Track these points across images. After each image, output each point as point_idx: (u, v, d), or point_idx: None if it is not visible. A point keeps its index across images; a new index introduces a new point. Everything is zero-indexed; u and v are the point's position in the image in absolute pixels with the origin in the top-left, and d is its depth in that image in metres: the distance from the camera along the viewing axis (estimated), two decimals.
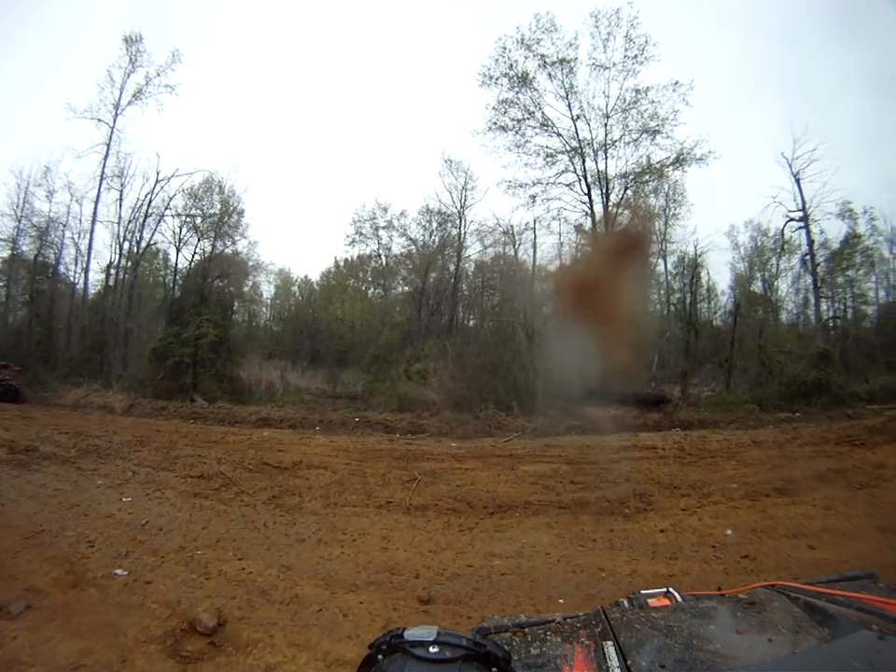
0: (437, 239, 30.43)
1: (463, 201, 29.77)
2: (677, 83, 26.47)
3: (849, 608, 1.44)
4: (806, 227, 30.29)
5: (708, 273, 31.26)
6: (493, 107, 27.25)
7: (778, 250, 31.39)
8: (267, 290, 35.43)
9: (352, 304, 32.88)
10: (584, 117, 26.81)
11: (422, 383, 24.54)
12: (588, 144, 26.95)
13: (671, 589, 1.82)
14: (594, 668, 1.31)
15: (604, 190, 27.35)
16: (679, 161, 26.99)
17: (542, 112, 26.98)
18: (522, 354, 23.76)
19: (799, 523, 9.19)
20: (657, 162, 27.22)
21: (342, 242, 32.17)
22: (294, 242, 51.22)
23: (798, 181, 29.88)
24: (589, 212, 27.63)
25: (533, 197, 27.88)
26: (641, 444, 15.85)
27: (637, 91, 26.45)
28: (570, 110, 26.75)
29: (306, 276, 36.45)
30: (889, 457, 13.18)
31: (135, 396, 24.22)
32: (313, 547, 8.78)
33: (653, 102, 26.42)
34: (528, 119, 27.11)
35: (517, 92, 26.93)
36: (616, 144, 26.95)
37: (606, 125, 26.83)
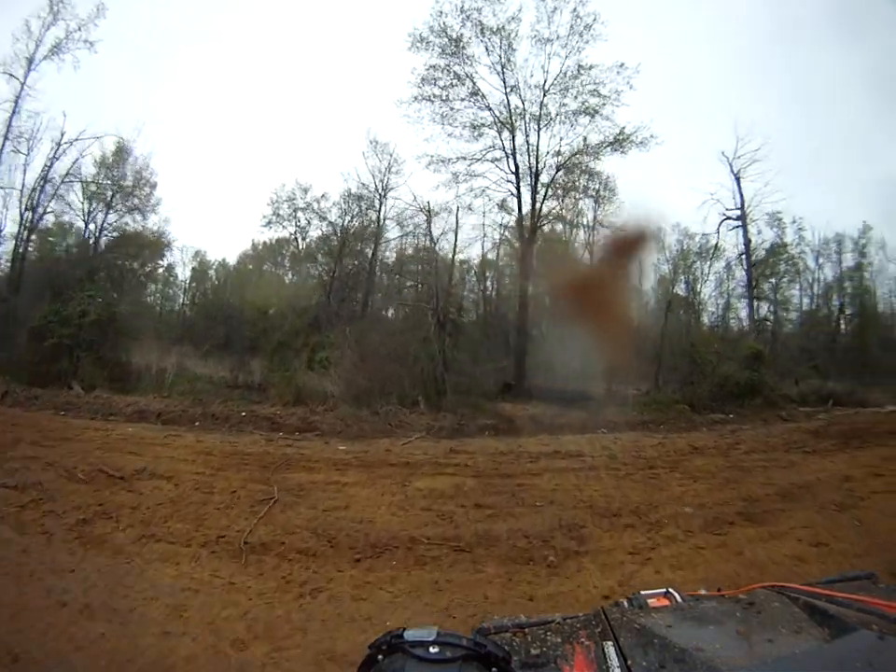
0: (357, 223, 28.10)
1: (385, 184, 27.13)
2: (622, 65, 24.22)
3: (849, 608, 1.39)
4: (744, 226, 29.69)
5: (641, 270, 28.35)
6: (420, 75, 24.53)
7: (711, 252, 30.37)
8: (183, 273, 32.35)
9: (267, 289, 30.07)
10: (519, 91, 24.52)
11: (323, 373, 21.65)
12: (520, 115, 24.68)
13: (671, 589, 1.72)
14: (594, 668, 1.28)
15: (534, 169, 24.94)
16: (619, 142, 24.81)
17: (473, 82, 24.40)
18: (431, 342, 19.87)
19: (790, 570, 7.13)
20: (595, 144, 25.17)
21: (258, 223, 28.53)
22: (213, 222, 47.04)
23: (738, 180, 29.07)
24: (516, 192, 25.12)
25: (456, 175, 25.04)
26: (565, 450, 13.22)
27: (581, 66, 24.25)
28: (505, 84, 24.33)
29: (224, 259, 33.68)
30: (850, 468, 11.97)
31: (10, 382, 20.52)
32: (64, 622, 5.22)
33: (596, 83, 24.34)
34: (457, 85, 24.46)
35: (448, 60, 24.31)
36: (552, 122, 24.80)
37: (542, 102, 24.61)
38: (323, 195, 28.06)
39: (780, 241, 33.73)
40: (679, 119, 35.46)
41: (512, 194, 25.20)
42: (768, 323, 31.30)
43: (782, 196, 28.06)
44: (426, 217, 25.64)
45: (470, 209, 25.50)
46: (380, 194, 27.78)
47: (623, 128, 24.74)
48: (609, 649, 1.32)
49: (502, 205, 25.55)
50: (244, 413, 18.61)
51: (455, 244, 26.37)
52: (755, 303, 30.50)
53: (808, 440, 15.13)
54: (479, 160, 25.22)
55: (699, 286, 31.90)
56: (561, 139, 25.11)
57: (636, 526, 8.50)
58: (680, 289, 31.81)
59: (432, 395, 19.90)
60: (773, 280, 33.87)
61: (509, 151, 25.07)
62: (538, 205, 24.99)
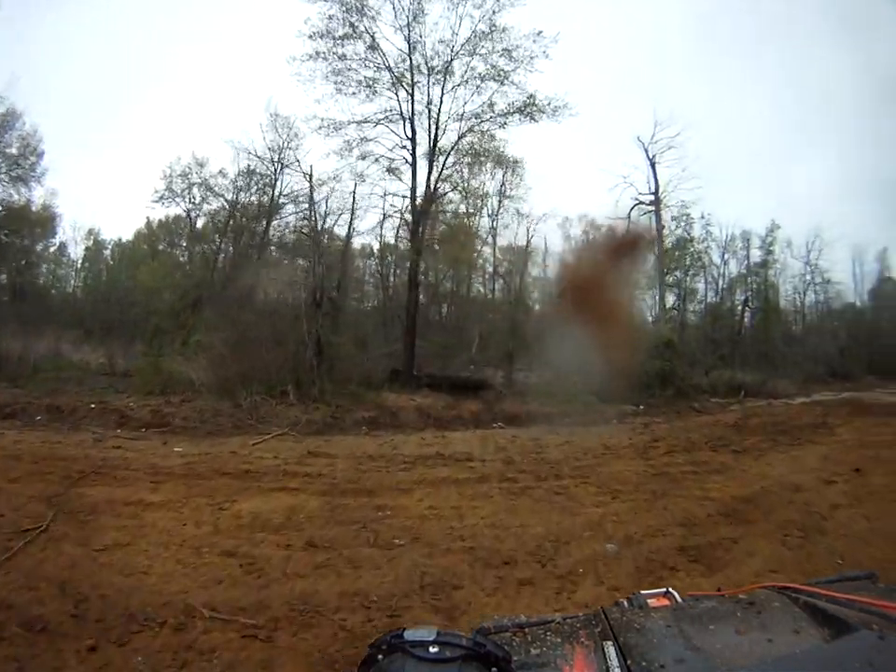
0: (253, 200, 26.22)
1: (282, 159, 25.03)
2: (539, 33, 22.34)
3: (849, 608, 1.36)
4: (657, 212, 29.08)
5: (545, 258, 29.00)
6: (314, 26, 22.02)
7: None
8: (75, 252, 30.59)
9: (159, 270, 27.67)
10: (423, 49, 22.41)
11: (192, 359, 19.10)
12: (423, 74, 22.50)
13: (671, 589, 1.70)
14: (594, 668, 1.24)
15: (433, 134, 22.74)
16: (528, 109, 22.82)
17: (372, 37, 22.05)
18: (303, 323, 16.87)
19: None
20: (502, 110, 23.13)
21: (150, 198, 25.83)
22: (109, 198, 42.67)
23: (653, 165, 28.75)
24: (411, 159, 22.84)
25: (349, 142, 22.83)
26: (450, 452, 10.85)
27: (493, 26, 22.21)
28: (409, 41, 22.17)
29: (120, 238, 31.60)
30: (793, 472, 10.35)
31: None
32: None
33: (509, 47, 22.46)
34: (354, 39, 22.14)
35: (347, 10, 21.88)
36: (457, 86, 22.71)
37: (449, 62, 22.47)
38: (220, 171, 25.72)
39: (688, 235, 34.56)
40: (600, 101, 34.48)
41: (407, 162, 22.91)
42: (675, 312, 31.54)
43: (698, 184, 28.07)
44: (309, 185, 23.17)
45: (363, 178, 23.28)
46: (275, 169, 25.54)
47: (533, 94, 22.87)
48: (609, 649, 1.26)
49: (391, 170, 23.05)
50: (93, 406, 15.85)
51: (350, 221, 24.79)
52: (664, 292, 30.17)
53: (731, 435, 13.91)
54: (374, 123, 22.86)
55: None
56: (465, 103, 22.94)
57: (536, 583, 5.59)
58: None
59: (305, 383, 17.44)
60: (678, 273, 34.73)
61: (406, 114, 22.75)
62: (434, 175, 22.79)
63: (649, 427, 15.36)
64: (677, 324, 28.45)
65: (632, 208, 28.40)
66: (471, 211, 25.80)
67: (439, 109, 22.57)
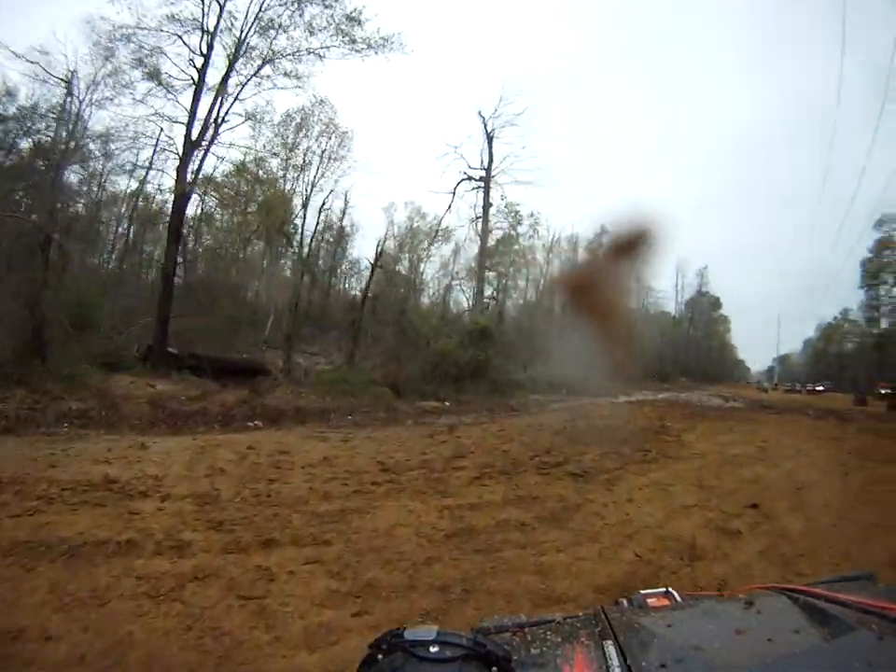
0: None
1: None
2: None
3: (849, 608, 1.32)
4: (486, 189, 27.89)
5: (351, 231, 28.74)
6: None
7: (436, 233, 29.56)
8: None
9: None
10: None
11: None
12: None
13: (670, 589, 1.61)
14: (594, 668, 1.18)
15: (233, 55, 19.23)
16: (350, 25, 20.40)
17: None
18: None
19: None
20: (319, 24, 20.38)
21: None
22: None
23: (490, 139, 27.79)
24: (196, 79, 18.97)
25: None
26: (128, 477, 7.21)
27: None
28: None
29: None
30: (672, 514, 6.97)
31: None
32: None
33: None
34: None
35: None
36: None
37: None
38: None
39: (515, 232, 34.55)
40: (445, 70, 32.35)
41: (193, 82, 18.98)
42: (495, 301, 30.53)
43: (538, 165, 28.18)
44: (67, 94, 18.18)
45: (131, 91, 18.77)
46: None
47: (359, 9, 20.49)
48: (609, 648, 1.21)
49: (153, 74, 18.75)
50: None
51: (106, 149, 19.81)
52: (485, 276, 29.25)
53: (563, 446, 10.82)
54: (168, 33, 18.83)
55: (422, 265, 32.56)
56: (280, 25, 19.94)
57: None
58: (403, 267, 31.90)
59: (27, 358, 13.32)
60: (501, 269, 34.68)
61: (207, 27, 19.00)
62: (226, 106, 19.22)
63: (454, 432, 12.24)
64: (497, 314, 26.80)
65: (459, 183, 27.11)
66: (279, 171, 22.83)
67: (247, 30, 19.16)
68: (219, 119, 18.64)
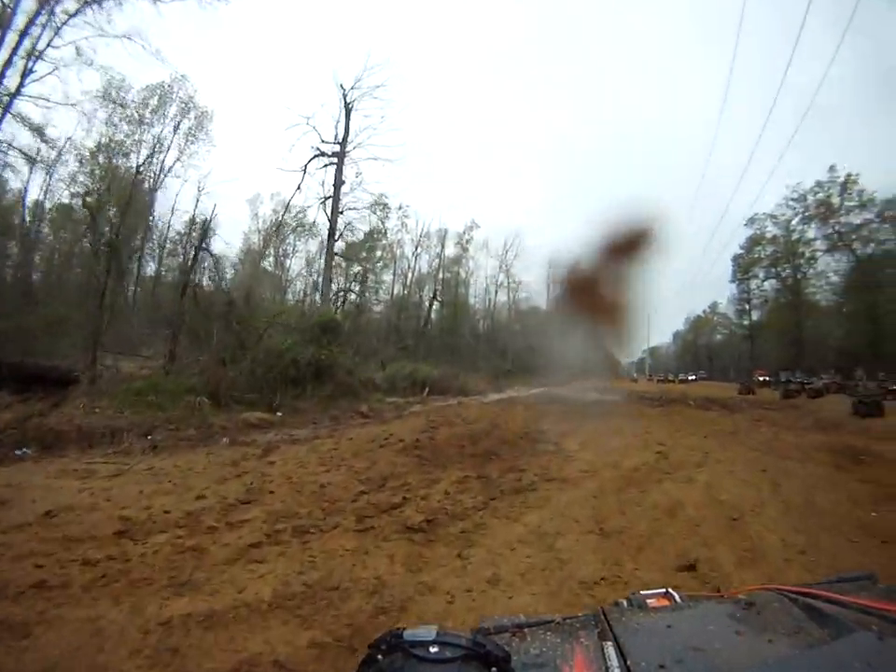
0: None
1: None
2: None
3: (849, 609, 1.31)
4: (339, 166, 25.47)
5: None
6: None
7: (300, 225, 29.74)
8: None
9: None
10: None
11: None
12: None
13: (670, 590, 1.57)
14: (593, 668, 1.16)
15: None
16: None
17: None
18: None
19: None
20: None
21: None
22: None
23: (348, 112, 25.76)
24: None
25: None
26: None
27: None
28: None
29: None
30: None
31: None
32: None
33: None
34: None
35: None
36: None
37: None
38: None
39: (382, 225, 34.58)
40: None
41: None
42: (352, 294, 30.11)
43: (401, 142, 29.02)
44: None
45: None
46: None
47: None
48: (609, 649, 1.20)
49: None
50: None
51: None
52: (344, 265, 28.87)
53: (410, 470, 8.25)
54: None
55: (288, 261, 33.16)
56: None
57: None
58: (269, 263, 32.74)
59: None
60: (366, 264, 34.93)
61: None
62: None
63: (268, 456, 9.38)
64: (354, 307, 23.21)
65: (311, 159, 25.10)
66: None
67: None
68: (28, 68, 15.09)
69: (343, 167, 24.62)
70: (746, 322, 51.09)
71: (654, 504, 6.67)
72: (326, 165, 24.81)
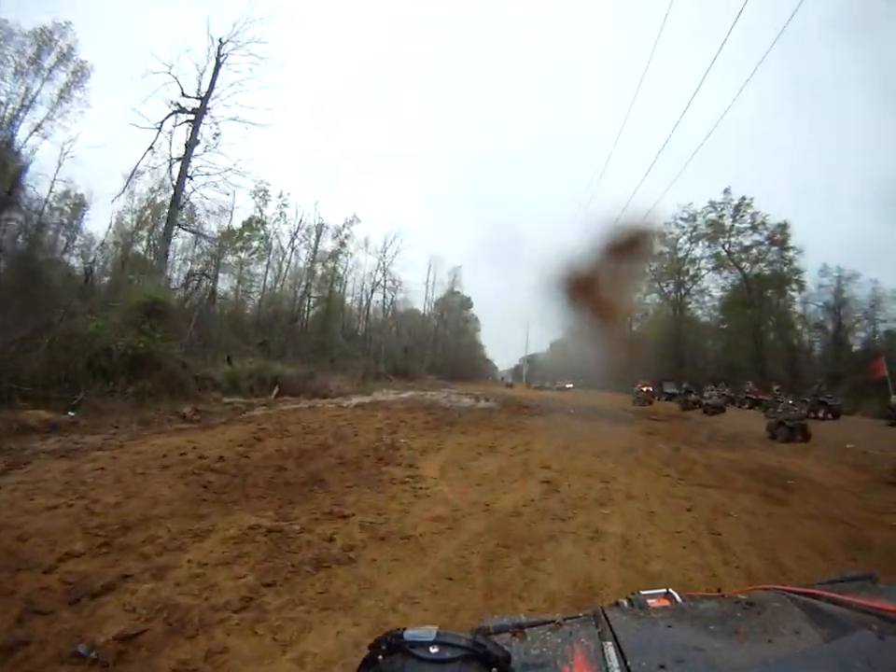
0: None
1: None
2: None
3: (849, 609, 1.32)
4: (196, 124, 22.80)
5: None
6: None
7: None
8: None
9: None
10: None
11: None
12: None
13: (671, 590, 1.59)
14: (593, 668, 1.16)
15: None
16: None
17: None
18: None
19: None
20: None
21: None
22: None
23: (218, 65, 23.48)
24: None
25: None
26: None
27: None
28: None
29: None
30: None
31: None
32: None
33: None
34: None
35: None
36: None
37: None
38: None
39: (261, 213, 34.49)
40: None
41: None
42: (206, 278, 27.51)
43: (273, 104, 26.31)
44: None
45: None
46: None
47: None
48: (609, 649, 1.19)
49: None
50: None
51: None
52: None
53: (173, 511, 5.94)
54: None
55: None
56: None
57: None
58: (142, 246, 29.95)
59: None
60: (242, 255, 34.25)
61: None
62: None
63: (8, 474, 6.97)
64: (205, 294, 23.19)
65: (167, 117, 22.53)
66: None
67: None
68: None
69: (201, 126, 22.17)
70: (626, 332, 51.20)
71: (551, 593, 4.40)
72: (183, 122, 22.33)
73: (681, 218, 44.99)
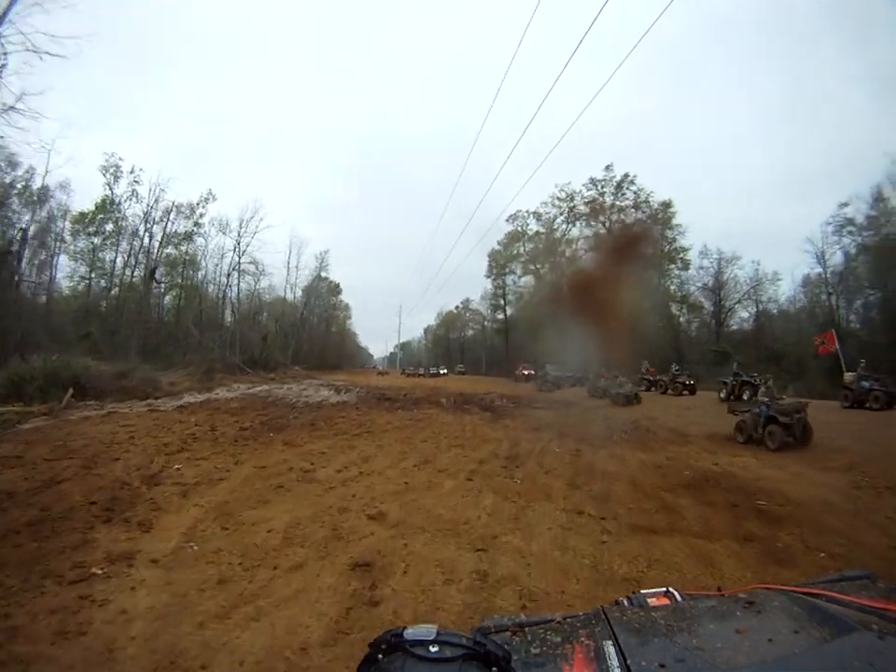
0: None
1: None
2: None
3: (849, 608, 1.36)
4: None
5: None
6: None
7: None
8: None
9: None
10: None
11: None
12: None
13: (671, 589, 1.66)
14: (593, 668, 1.21)
15: None
16: None
17: None
18: None
19: None
20: None
21: None
22: None
23: None
24: None
25: None
26: None
27: None
28: None
29: None
30: None
31: None
32: None
33: None
34: None
35: None
36: None
37: None
38: None
39: (111, 192, 32.31)
40: None
41: None
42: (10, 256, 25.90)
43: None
44: None
45: None
46: None
47: None
48: (609, 648, 1.24)
49: None
50: None
51: None
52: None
53: None
54: None
55: None
56: None
57: None
58: None
59: None
60: (95, 240, 32.99)
61: None
62: None
63: None
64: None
65: None
66: None
67: None
68: None
69: None
70: (501, 317, 51.76)
71: None
72: None
73: (558, 198, 44.52)
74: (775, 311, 38.25)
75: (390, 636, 1.07)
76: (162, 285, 34.07)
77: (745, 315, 39.71)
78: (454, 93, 79.78)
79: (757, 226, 51.72)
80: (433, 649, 1.02)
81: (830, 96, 48.93)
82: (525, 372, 37.42)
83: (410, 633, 1.05)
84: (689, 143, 63.81)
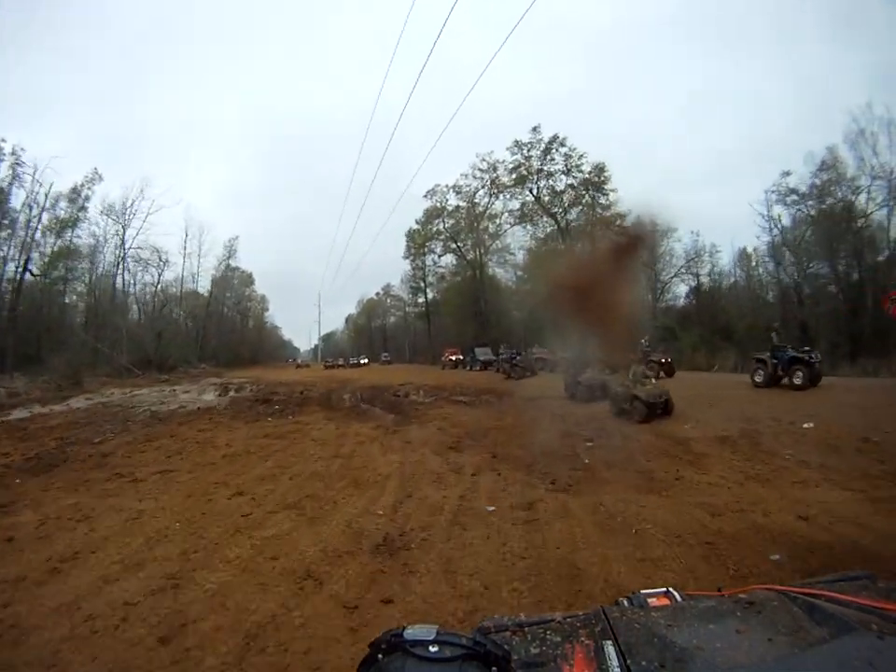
0: None
1: None
2: None
3: (849, 608, 1.37)
4: None
5: None
6: None
7: None
8: None
9: None
10: None
11: None
12: None
13: (671, 588, 1.66)
14: (593, 668, 1.23)
15: None
16: None
17: None
18: None
19: None
20: None
21: None
22: None
23: None
24: None
25: None
26: None
27: None
28: None
29: None
30: None
31: None
32: None
33: None
34: None
35: None
36: None
37: None
38: None
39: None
40: None
41: None
42: None
43: None
44: None
45: None
46: None
47: None
48: (609, 648, 1.26)
49: None
50: None
51: None
52: None
53: None
54: None
55: None
56: None
57: None
58: None
59: None
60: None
61: None
62: None
63: None
64: None
65: None
66: None
67: None
68: None
69: None
70: (421, 300, 50.02)
71: None
72: None
73: (479, 169, 42.06)
74: (720, 284, 37.17)
75: (390, 636, 1.06)
76: (42, 278, 31.15)
77: (683, 288, 38.90)
78: (370, 74, 78.76)
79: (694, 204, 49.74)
80: (433, 649, 1.01)
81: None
82: (453, 358, 35.53)
83: (410, 633, 1.05)
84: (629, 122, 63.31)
